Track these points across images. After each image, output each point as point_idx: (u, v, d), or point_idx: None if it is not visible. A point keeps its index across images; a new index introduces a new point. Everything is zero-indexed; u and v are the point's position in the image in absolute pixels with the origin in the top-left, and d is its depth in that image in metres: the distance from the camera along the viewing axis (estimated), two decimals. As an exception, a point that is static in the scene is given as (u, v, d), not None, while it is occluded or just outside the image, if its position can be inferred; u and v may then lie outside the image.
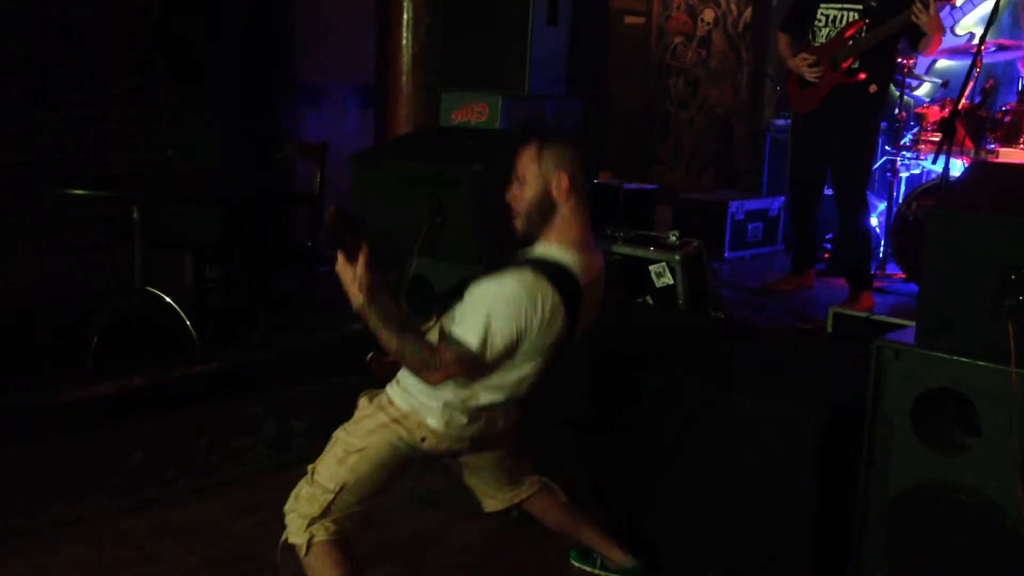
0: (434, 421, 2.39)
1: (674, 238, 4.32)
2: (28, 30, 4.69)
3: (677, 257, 4.16)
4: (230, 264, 4.83)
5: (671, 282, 4.17)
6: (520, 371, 2.39)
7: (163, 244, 4.36)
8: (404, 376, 2.44)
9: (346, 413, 3.68)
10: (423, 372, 2.29)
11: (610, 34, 8.71)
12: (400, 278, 3.61)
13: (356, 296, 2.30)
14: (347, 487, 2.38)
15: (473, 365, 2.29)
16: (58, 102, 4.82)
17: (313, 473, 2.42)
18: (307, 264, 4.60)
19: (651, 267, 4.22)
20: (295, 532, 2.40)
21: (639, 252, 4.24)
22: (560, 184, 2.34)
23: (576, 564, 3.04)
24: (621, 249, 4.30)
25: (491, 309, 2.26)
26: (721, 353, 3.30)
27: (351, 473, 2.39)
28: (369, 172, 4.31)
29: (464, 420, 2.41)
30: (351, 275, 2.29)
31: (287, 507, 2.44)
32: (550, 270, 2.32)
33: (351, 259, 2.29)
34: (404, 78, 5.20)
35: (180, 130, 5.22)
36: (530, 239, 2.41)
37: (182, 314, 3.93)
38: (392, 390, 2.46)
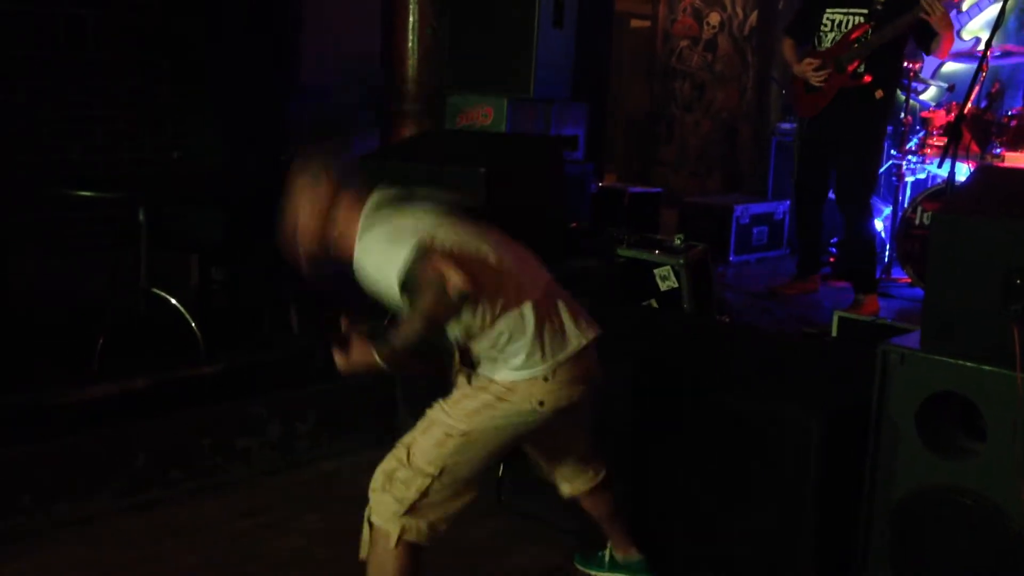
0: (541, 373, 2.29)
1: (679, 241, 4.32)
2: (32, 31, 4.70)
3: (682, 260, 4.16)
4: (235, 265, 4.84)
5: (676, 285, 4.17)
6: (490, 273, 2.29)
7: (168, 245, 4.37)
8: (491, 350, 2.32)
9: (351, 414, 3.68)
10: (449, 295, 2.13)
11: (616, 37, 8.73)
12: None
13: (372, 362, 2.22)
14: (447, 470, 2.28)
15: (433, 245, 2.19)
16: (62, 103, 4.83)
17: (408, 455, 2.29)
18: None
19: (656, 270, 4.22)
20: (388, 517, 2.28)
21: (644, 255, 4.25)
22: (306, 209, 2.37)
23: (580, 568, 3.03)
24: (626, 252, 4.30)
25: (377, 247, 2.27)
26: (725, 356, 3.29)
27: (452, 456, 2.28)
28: (374, 174, 4.31)
29: (560, 357, 2.32)
30: (354, 361, 2.24)
31: (376, 484, 2.31)
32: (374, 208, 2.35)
33: (343, 349, 2.24)
34: (410, 80, 5.21)
35: (185, 131, 5.23)
36: (335, 253, 2.37)
37: (187, 315, 3.93)
38: (486, 368, 2.34)
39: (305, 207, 2.36)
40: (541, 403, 2.31)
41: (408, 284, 2.17)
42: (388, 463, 2.33)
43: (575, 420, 2.55)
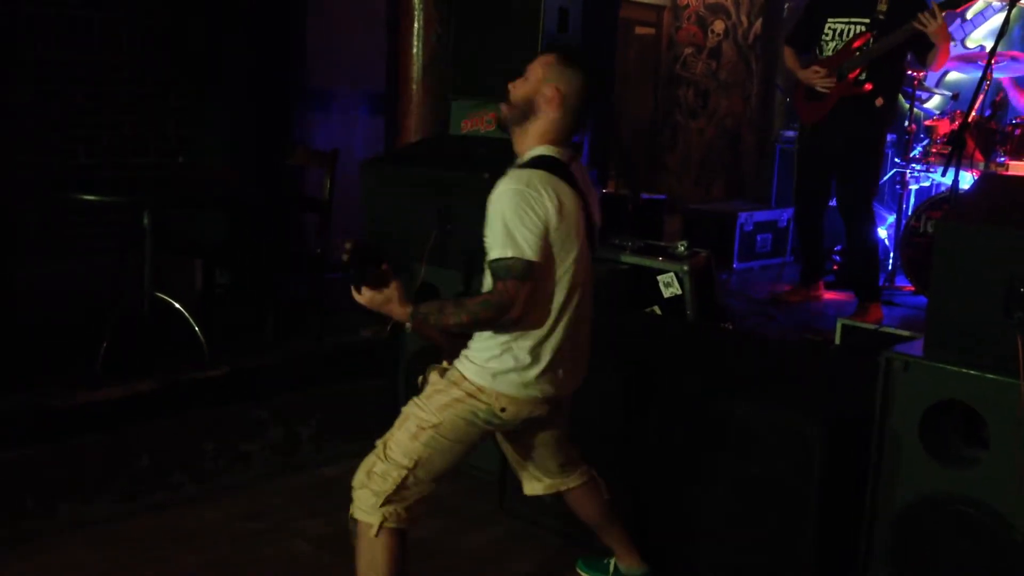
0: (511, 389, 2.38)
1: (682, 248, 4.32)
2: (42, 34, 4.72)
3: (685, 267, 4.16)
4: (239, 270, 4.85)
5: (679, 292, 4.17)
6: (565, 277, 2.38)
7: (173, 249, 4.38)
8: (473, 351, 2.42)
9: (353, 419, 3.69)
10: (504, 315, 2.28)
11: (620, 44, 8.74)
12: (408, 286, 3.62)
13: (402, 313, 2.33)
14: (421, 462, 2.36)
15: (529, 272, 2.27)
16: (70, 107, 4.85)
17: (385, 449, 2.39)
18: (316, 270, 4.60)
19: (659, 277, 4.22)
20: (367, 510, 2.36)
21: (647, 262, 4.25)
22: (547, 94, 2.40)
23: (583, 574, 3.03)
24: (629, 259, 4.30)
25: (503, 214, 2.28)
26: (729, 363, 3.29)
27: (426, 448, 2.37)
28: (379, 179, 4.33)
29: (534, 377, 2.39)
30: (383, 299, 2.33)
31: (356, 482, 2.40)
32: (533, 163, 2.37)
33: (379, 287, 2.32)
34: (414, 86, 5.21)
35: (191, 136, 5.25)
36: (505, 127, 2.48)
37: (191, 319, 3.94)
38: (463, 366, 2.43)
39: (532, 83, 2.43)
40: (503, 410, 2.40)
41: (490, 272, 2.31)
42: (368, 460, 2.41)
43: (544, 429, 2.61)
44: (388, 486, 2.35)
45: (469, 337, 2.45)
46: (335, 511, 3.39)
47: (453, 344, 2.49)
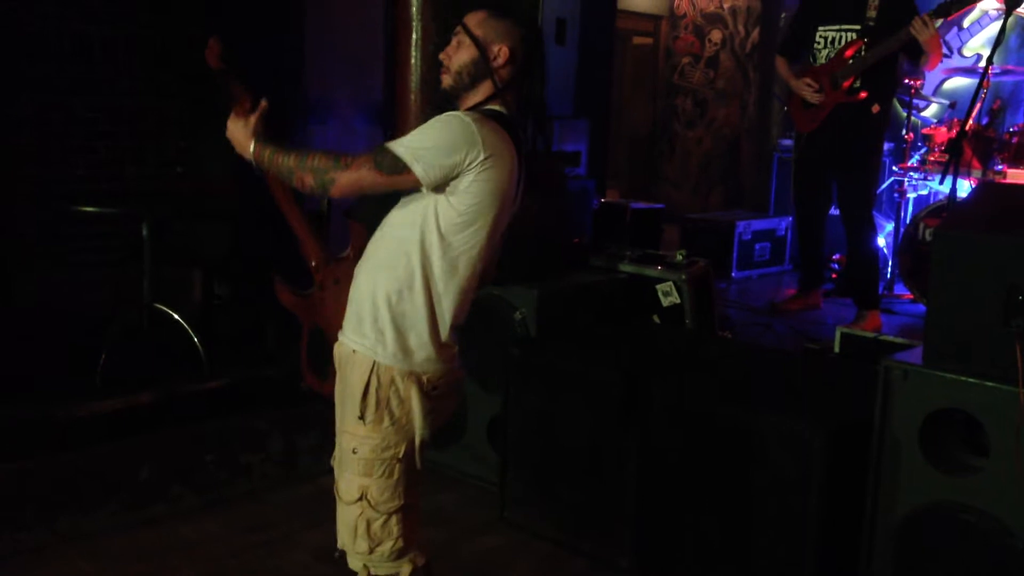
0: (429, 362, 2.14)
1: (681, 257, 4.32)
2: (41, 47, 4.73)
3: (684, 276, 4.16)
4: (238, 280, 4.85)
5: (678, 301, 4.17)
6: (470, 232, 2.13)
7: (172, 260, 4.38)
8: (379, 312, 2.13)
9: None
10: (331, 173, 2.09)
11: (618, 54, 8.76)
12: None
13: (247, 144, 2.22)
14: (406, 491, 2.18)
15: (393, 170, 2.07)
16: (70, 120, 4.86)
17: (366, 499, 2.16)
18: (314, 280, 4.60)
19: (658, 286, 4.22)
20: (389, 568, 2.19)
21: (646, 271, 4.25)
22: (500, 54, 2.21)
23: None
24: (628, 268, 4.30)
25: (426, 128, 2.12)
26: (728, 372, 3.30)
27: (405, 477, 2.15)
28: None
29: (446, 335, 2.16)
30: (237, 127, 2.24)
31: (360, 548, 2.18)
32: (489, 113, 2.19)
33: (240, 113, 2.23)
34: (412, 96, 5.22)
35: (189, 147, 5.25)
36: (454, 97, 2.27)
37: (190, 330, 3.94)
38: (375, 351, 2.13)
39: (473, 46, 2.24)
40: (427, 378, 2.16)
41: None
42: (347, 517, 2.20)
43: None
44: (395, 534, 2.17)
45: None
46: (335, 523, 3.40)
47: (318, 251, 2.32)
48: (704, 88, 9.84)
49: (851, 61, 4.75)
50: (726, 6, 9.57)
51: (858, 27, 4.75)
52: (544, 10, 4.86)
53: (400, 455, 2.15)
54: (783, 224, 6.57)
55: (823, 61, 4.87)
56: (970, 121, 4.90)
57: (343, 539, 2.23)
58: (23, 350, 3.98)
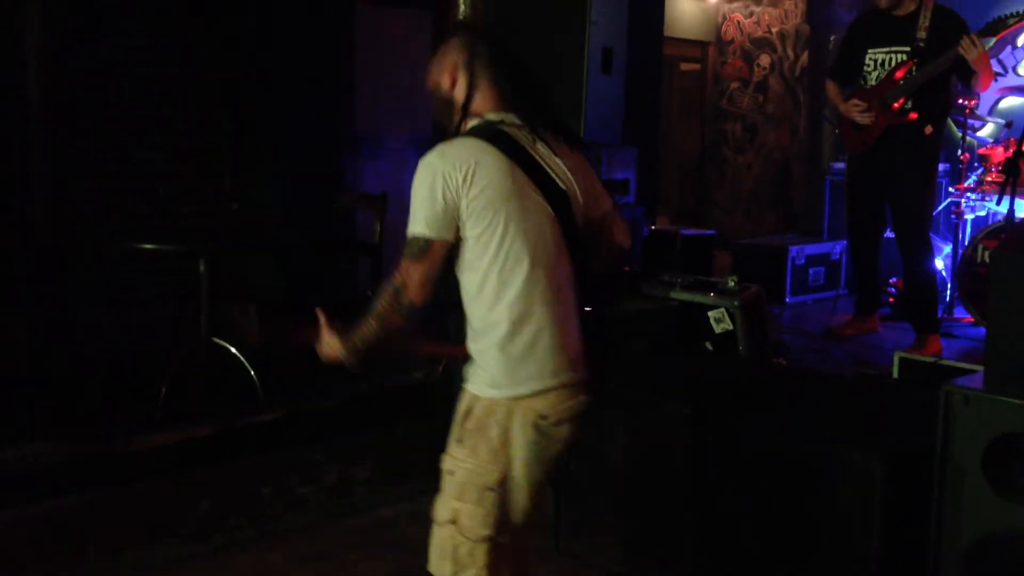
0: (529, 384, 2.12)
1: (732, 283, 4.29)
2: (104, 89, 4.88)
3: (736, 302, 4.13)
4: (293, 314, 4.90)
5: (730, 328, 4.14)
6: (497, 248, 2.11)
7: (228, 295, 4.46)
8: (475, 355, 2.18)
9: (407, 460, 3.68)
10: (402, 300, 2.10)
11: (665, 81, 8.77)
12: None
13: (341, 352, 2.18)
14: (497, 523, 2.14)
15: (424, 251, 2.08)
16: (127, 159, 4.99)
17: (456, 523, 2.15)
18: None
19: (710, 313, 4.20)
20: None
21: (698, 298, 4.23)
22: (447, 82, 2.24)
23: None
24: (679, 295, 4.28)
25: (416, 187, 2.13)
26: (784, 399, 3.25)
27: (495, 507, 2.13)
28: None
29: (543, 358, 2.13)
30: (327, 346, 2.21)
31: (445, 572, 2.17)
32: (472, 131, 2.19)
33: (313, 340, 2.23)
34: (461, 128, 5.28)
35: (244, 183, 5.36)
36: (456, 130, 2.25)
37: (246, 364, 4.00)
38: (472, 384, 2.17)
39: (441, 63, 2.26)
40: (543, 417, 2.14)
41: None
42: (439, 539, 2.18)
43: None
44: (480, 564, 2.14)
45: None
46: (392, 552, 3.42)
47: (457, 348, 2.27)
48: (753, 113, 9.80)
49: (901, 82, 4.70)
50: (774, 30, 9.54)
51: (908, 48, 4.71)
52: (591, 39, 4.89)
53: (492, 484, 2.13)
54: (837, 248, 6.50)
55: (873, 83, 4.83)
56: (1027, 140, 4.82)
57: (431, 561, 2.23)
58: (85, 385, 4.08)
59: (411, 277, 2.09)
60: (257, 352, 4.03)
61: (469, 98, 2.22)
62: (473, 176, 2.09)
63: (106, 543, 3.29)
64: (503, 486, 2.13)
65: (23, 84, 4.37)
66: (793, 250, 6.26)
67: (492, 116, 2.21)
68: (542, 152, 2.21)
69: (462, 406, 2.19)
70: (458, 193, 2.08)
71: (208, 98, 5.24)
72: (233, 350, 4.02)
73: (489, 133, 2.17)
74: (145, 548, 3.35)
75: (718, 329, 4.19)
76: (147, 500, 3.41)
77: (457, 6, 5.19)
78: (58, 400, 3.95)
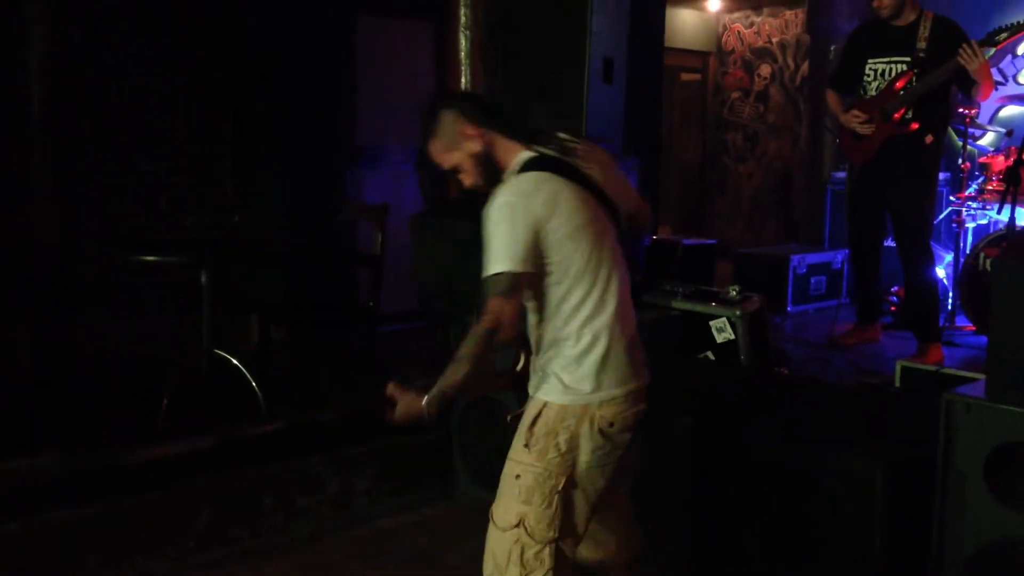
0: (606, 391, 2.24)
1: (734, 293, 4.29)
2: (100, 100, 4.89)
3: (738, 312, 4.13)
4: (294, 325, 4.92)
5: (732, 337, 4.14)
6: (578, 270, 2.24)
7: (230, 306, 4.47)
8: (551, 375, 2.27)
9: (408, 472, 3.67)
10: (495, 337, 2.16)
11: (666, 90, 8.78)
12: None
13: (420, 408, 2.21)
14: (564, 526, 2.24)
15: (514, 285, 2.16)
16: (130, 170, 5.00)
17: (523, 526, 2.22)
18: (369, 324, 4.66)
19: (712, 322, 4.20)
20: None
21: (699, 307, 4.23)
22: (469, 141, 2.33)
23: None
24: (681, 304, 4.28)
25: (491, 229, 2.19)
26: (786, 408, 3.25)
27: (562, 509, 2.23)
28: (428, 232, 4.38)
29: (619, 366, 2.27)
30: (404, 410, 2.23)
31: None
32: (530, 164, 2.29)
33: (392, 405, 2.25)
34: (463, 139, 5.29)
35: (246, 194, 5.37)
36: (488, 190, 2.33)
37: (248, 375, 4.00)
38: (548, 394, 2.26)
39: (442, 141, 2.37)
40: (611, 425, 2.26)
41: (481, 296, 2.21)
42: (501, 544, 2.24)
43: (625, 467, 2.44)
44: (547, 566, 2.21)
45: (525, 356, 2.36)
46: (394, 563, 3.41)
47: (515, 379, 2.39)
48: (754, 122, 9.81)
49: (902, 92, 4.71)
50: (775, 40, 9.56)
51: (908, 59, 4.72)
52: (591, 50, 4.90)
53: (560, 487, 2.23)
54: (839, 257, 6.50)
55: (873, 93, 4.84)
56: (1028, 149, 4.83)
57: (488, 569, 2.28)
58: (86, 395, 4.07)
59: (505, 314, 2.17)
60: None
61: (491, 154, 2.33)
62: (553, 207, 2.20)
63: (107, 554, 3.28)
64: (568, 490, 2.24)
65: (26, 93, 4.38)
66: (794, 259, 6.26)
67: (527, 154, 2.32)
68: (583, 169, 2.31)
69: (530, 412, 2.29)
70: (541, 226, 2.19)
71: (210, 108, 5.25)
72: (234, 361, 4.02)
73: (543, 164, 2.28)
74: (146, 559, 3.35)
75: (720, 339, 4.18)
76: (148, 511, 3.41)
77: (458, 17, 5.22)
78: (59, 410, 3.95)
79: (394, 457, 3.97)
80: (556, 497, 2.23)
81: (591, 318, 2.26)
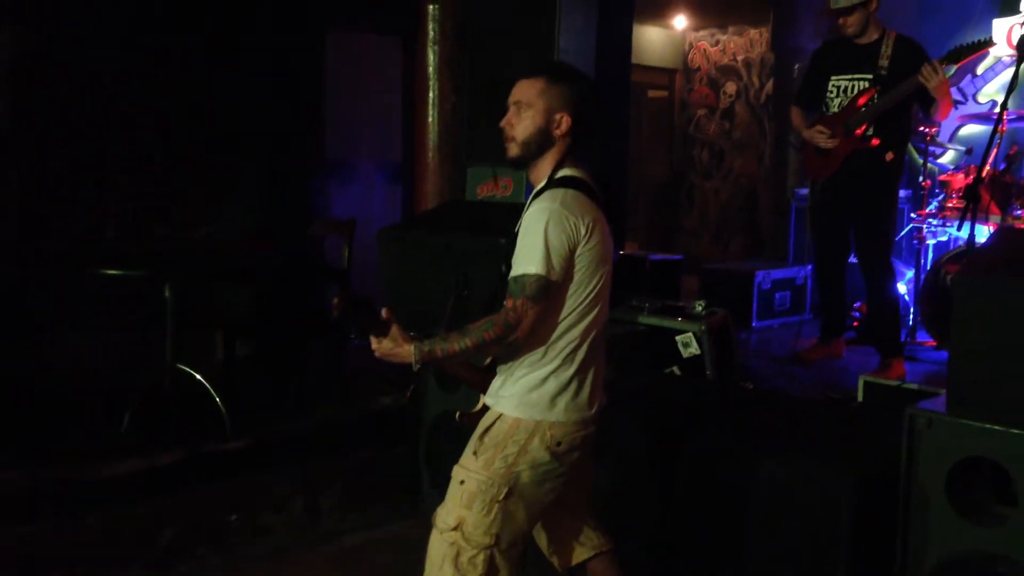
0: (560, 415, 2.29)
1: (700, 308, 4.32)
2: (71, 111, 4.85)
3: (703, 327, 4.16)
4: (261, 339, 4.88)
5: (698, 352, 4.16)
6: (582, 296, 2.30)
7: (194, 321, 4.43)
8: (509, 387, 2.32)
9: (375, 487, 3.65)
10: (509, 335, 2.21)
11: (633, 107, 8.85)
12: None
13: (407, 353, 2.24)
14: (503, 534, 2.27)
15: (545, 292, 2.22)
16: (99, 182, 4.96)
17: (460, 530, 2.26)
18: (337, 338, 4.64)
19: (677, 337, 4.22)
20: None
21: (665, 322, 4.25)
22: (561, 124, 2.34)
23: None
24: (647, 319, 4.30)
25: (536, 230, 2.23)
26: (751, 422, 3.27)
27: (504, 518, 2.27)
28: (396, 246, 4.37)
29: (580, 397, 2.32)
30: (390, 345, 2.26)
31: None
32: (563, 183, 2.32)
33: (380, 334, 2.26)
34: (430, 154, 5.30)
35: (214, 207, 5.34)
36: (521, 165, 2.40)
37: (212, 391, 3.97)
38: (503, 406, 2.32)
39: (537, 116, 2.35)
40: (558, 444, 2.30)
41: (509, 289, 2.26)
42: (439, 547, 2.29)
43: (584, 471, 2.49)
44: (479, 572, 2.25)
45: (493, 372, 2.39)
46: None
47: (484, 379, 2.42)
48: (720, 139, 9.91)
49: (863, 109, 4.78)
50: (739, 58, 9.67)
51: (870, 76, 4.79)
52: (559, 67, 4.93)
53: (500, 497, 2.27)
54: (802, 273, 6.56)
55: (836, 110, 4.91)
56: (987, 167, 4.90)
57: (428, 567, 2.32)
58: (47, 412, 4.02)
59: (527, 316, 2.23)
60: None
61: (550, 144, 2.35)
62: (591, 232, 2.27)
63: (69, 571, 3.23)
64: (509, 501, 2.27)
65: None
66: (759, 275, 6.31)
67: (572, 171, 2.36)
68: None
69: (484, 423, 2.35)
70: (578, 244, 2.25)
71: (179, 122, 5.22)
72: (199, 376, 3.98)
73: (587, 190, 2.33)
74: (107, 577, 3.30)
75: (686, 353, 4.21)
76: (111, 528, 3.37)
77: (427, 32, 5.24)
78: (21, 425, 3.89)
79: (361, 473, 3.96)
80: (496, 506, 2.27)
81: (569, 343, 2.31)
